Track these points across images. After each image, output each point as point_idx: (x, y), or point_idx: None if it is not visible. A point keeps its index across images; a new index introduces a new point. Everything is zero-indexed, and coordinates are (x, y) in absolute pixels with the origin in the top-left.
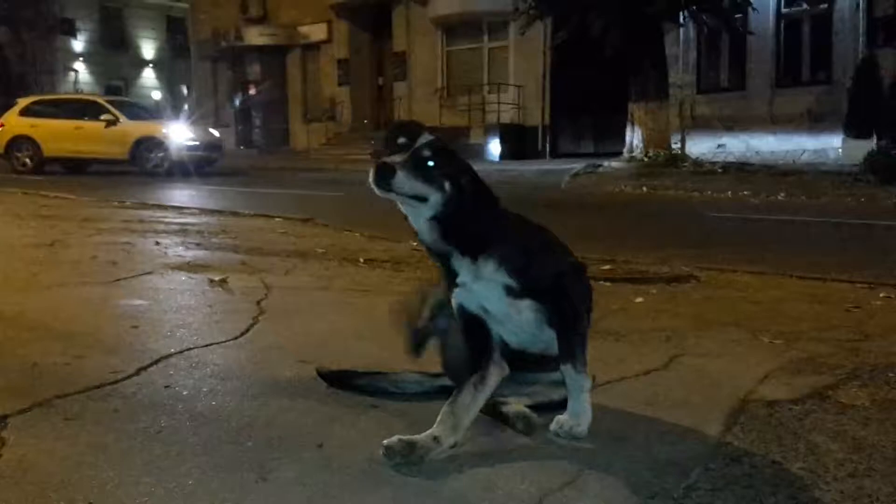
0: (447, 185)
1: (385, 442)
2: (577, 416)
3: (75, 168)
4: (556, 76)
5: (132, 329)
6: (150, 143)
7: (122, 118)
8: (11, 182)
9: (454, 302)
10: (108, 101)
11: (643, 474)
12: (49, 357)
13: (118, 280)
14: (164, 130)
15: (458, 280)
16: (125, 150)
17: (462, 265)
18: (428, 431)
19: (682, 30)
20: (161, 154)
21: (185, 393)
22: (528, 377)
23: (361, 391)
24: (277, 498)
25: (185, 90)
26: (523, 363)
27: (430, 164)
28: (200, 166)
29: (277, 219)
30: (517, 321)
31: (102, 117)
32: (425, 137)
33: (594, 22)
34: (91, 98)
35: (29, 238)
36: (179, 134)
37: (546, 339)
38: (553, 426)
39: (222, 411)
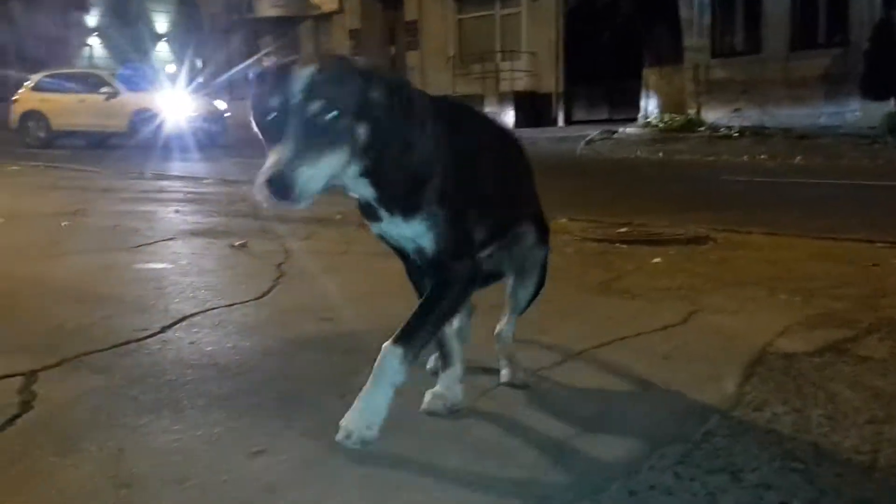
0: (361, 131)
1: (425, 408)
2: (367, 418)
3: (96, 142)
4: (570, 43)
5: (156, 291)
6: (147, 115)
7: (122, 90)
8: (30, 156)
9: (375, 232)
10: (110, 74)
11: (663, 421)
12: (76, 318)
13: (140, 246)
14: (160, 102)
15: (377, 223)
16: (124, 122)
17: (386, 216)
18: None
19: None
20: (156, 126)
21: (209, 349)
22: None
23: None
24: (303, 444)
25: (198, 63)
26: None
27: (331, 116)
28: (200, 139)
29: None
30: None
31: (103, 90)
32: (303, 78)
33: None
34: (94, 71)
35: (52, 208)
36: (177, 106)
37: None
38: (339, 434)
39: (246, 365)
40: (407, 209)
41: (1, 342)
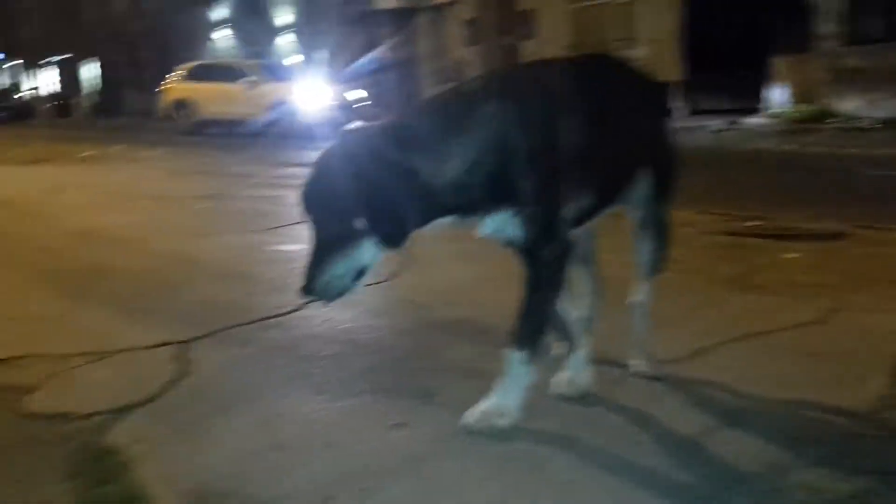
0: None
1: (554, 392)
2: (502, 408)
3: (239, 130)
4: (691, 30)
5: (290, 270)
6: (284, 105)
7: (262, 80)
8: (171, 142)
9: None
10: (252, 65)
11: (805, 419)
12: (220, 293)
13: (273, 228)
14: (298, 92)
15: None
16: (263, 111)
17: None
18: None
19: None
20: (293, 116)
21: (345, 327)
22: None
23: None
24: (439, 420)
25: (320, 54)
26: None
27: (333, 225)
28: (334, 128)
29: None
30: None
31: (244, 80)
32: (301, 196)
33: None
34: (237, 61)
35: (192, 192)
36: (313, 96)
37: None
38: (470, 416)
39: (382, 343)
40: (482, 213)
41: (157, 313)
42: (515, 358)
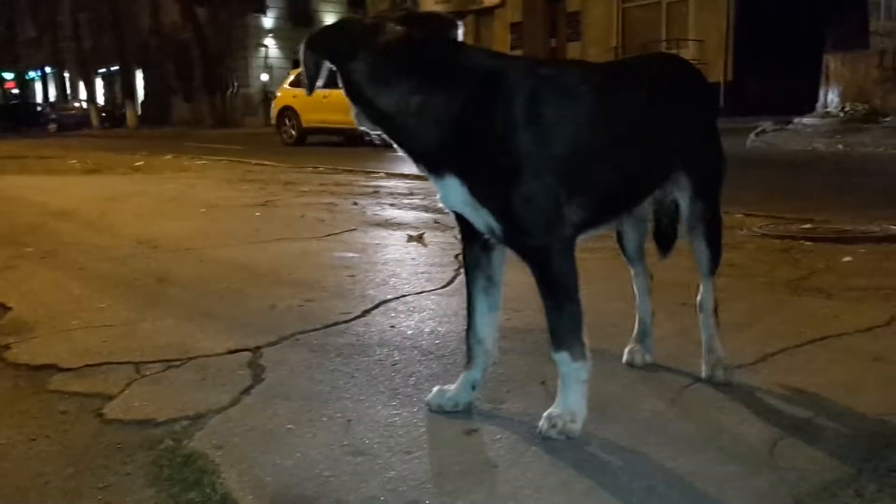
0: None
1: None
2: (571, 412)
3: (350, 140)
4: (742, 29)
5: (350, 277)
6: None
7: None
8: (218, 151)
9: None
10: None
11: (879, 424)
12: (284, 300)
13: (328, 235)
14: None
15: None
16: None
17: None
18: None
19: None
20: None
21: (409, 332)
22: None
23: None
24: (513, 426)
25: None
26: None
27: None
28: None
29: None
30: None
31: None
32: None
33: None
34: None
35: (244, 199)
36: None
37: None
38: (542, 423)
39: (446, 349)
40: (437, 166)
41: (223, 320)
42: (560, 359)
